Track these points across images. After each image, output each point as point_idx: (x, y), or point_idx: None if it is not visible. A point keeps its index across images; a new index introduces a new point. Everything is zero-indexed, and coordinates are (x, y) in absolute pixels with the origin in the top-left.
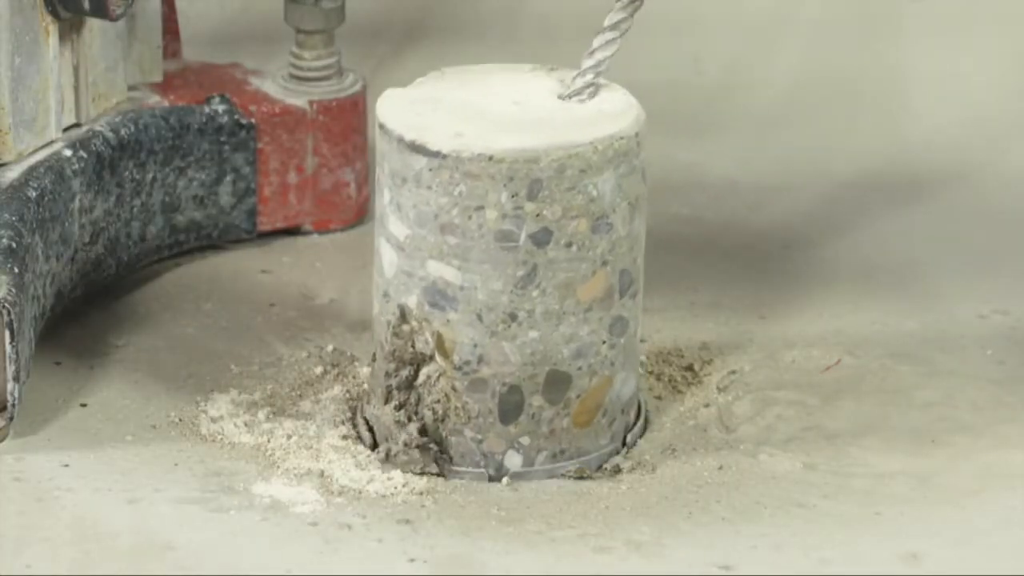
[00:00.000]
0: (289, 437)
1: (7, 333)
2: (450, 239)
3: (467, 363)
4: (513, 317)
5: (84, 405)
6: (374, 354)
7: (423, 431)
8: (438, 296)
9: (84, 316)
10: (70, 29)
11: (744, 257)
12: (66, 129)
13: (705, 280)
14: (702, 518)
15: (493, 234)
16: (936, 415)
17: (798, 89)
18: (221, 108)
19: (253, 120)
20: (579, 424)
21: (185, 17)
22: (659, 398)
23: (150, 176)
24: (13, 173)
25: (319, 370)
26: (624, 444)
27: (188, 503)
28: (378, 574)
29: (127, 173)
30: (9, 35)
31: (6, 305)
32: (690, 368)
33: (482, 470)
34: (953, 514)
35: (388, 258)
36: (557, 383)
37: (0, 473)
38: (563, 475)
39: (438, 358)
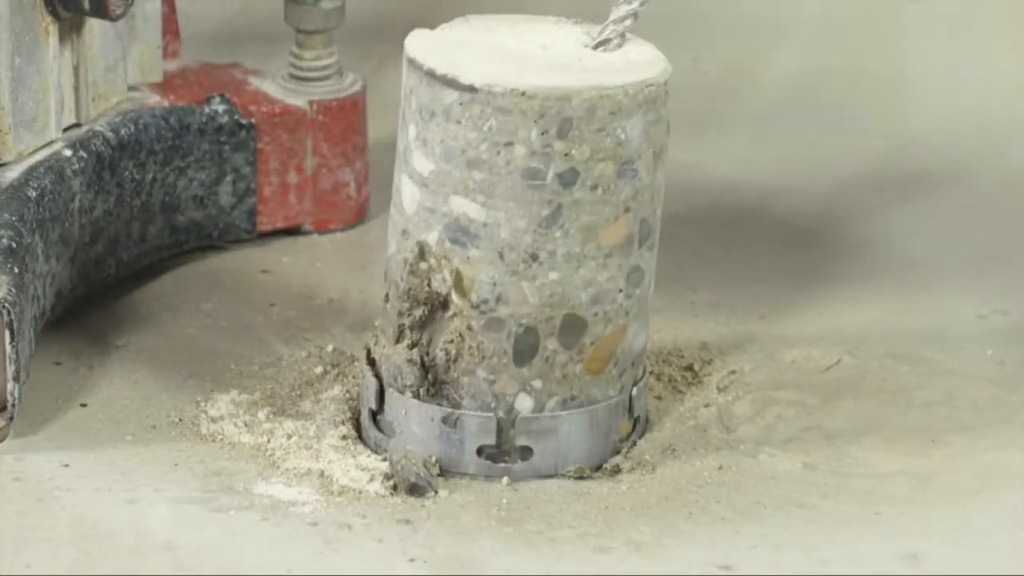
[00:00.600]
0: (289, 437)
1: (7, 333)
2: (476, 174)
3: (485, 302)
4: (535, 257)
5: (84, 405)
6: (387, 294)
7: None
8: (460, 233)
9: (84, 316)
10: (70, 29)
11: (744, 257)
12: (66, 129)
13: (705, 280)
14: (702, 518)
15: (520, 171)
16: (936, 415)
17: (798, 89)
18: (221, 108)
19: (253, 120)
20: (591, 371)
21: (185, 17)
22: (659, 398)
23: (150, 176)
24: (13, 173)
25: (319, 370)
26: (630, 398)
27: (188, 503)
28: (378, 574)
29: (127, 173)
30: (9, 35)
31: (6, 305)
32: (690, 368)
33: (491, 413)
34: (953, 514)
35: (410, 195)
36: (573, 327)
37: (0, 473)
38: (563, 475)
39: (455, 297)
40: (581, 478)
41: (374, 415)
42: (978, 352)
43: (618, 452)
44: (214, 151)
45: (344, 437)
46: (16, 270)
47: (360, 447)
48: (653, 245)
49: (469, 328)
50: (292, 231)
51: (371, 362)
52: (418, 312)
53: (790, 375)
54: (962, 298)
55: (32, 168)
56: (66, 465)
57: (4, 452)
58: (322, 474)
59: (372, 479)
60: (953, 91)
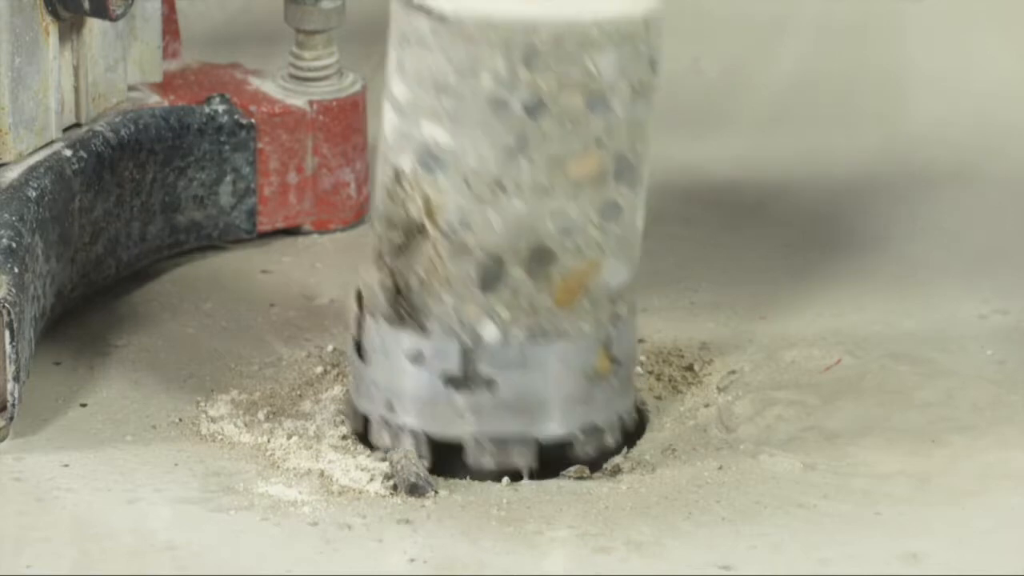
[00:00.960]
0: (289, 437)
1: (7, 333)
2: (445, 101)
3: (452, 228)
4: (500, 185)
5: (84, 405)
6: (372, 220)
7: (407, 303)
8: (429, 158)
9: (84, 316)
10: (70, 29)
11: (744, 257)
12: (66, 129)
13: (705, 280)
14: (702, 518)
15: (487, 99)
16: (936, 415)
17: (798, 89)
18: (221, 108)
19: (253, 120)
20: (561, 303)
21: (185, 17)
22: (659, 398)
23: (150, 176)
24: (13, 173)
25: (319, 370)
26: (608, 337)
27: (188, 503)
28: (378, 574)
29: (127, 173)
30: (9, 35)
31: (6, 305)
32: (690, 368)
33: (455, 342)
34: (953, 514)
35: (389, 120)
36: (540, 257)
37: (0, 473)
38: (563, 475)
39: (426, 222)
40: (581, 478)
41: (358, 344)
42: (978, 352)
43: (598, 389)
44: (214, 151)
45: (344, 437)
46: (16, 270)
47: (360, 447)
48: (635, 182)
49: (438, 254)
50: (292, 231)
51: (356, 294)
52: (395, 237)
53: (790, 375)
54: (962, 298)
55: (32, 168)
56: (66, 465)
57: (4, 452)
58: (322, 474)
59: (372, 479)
60: (953, 91)
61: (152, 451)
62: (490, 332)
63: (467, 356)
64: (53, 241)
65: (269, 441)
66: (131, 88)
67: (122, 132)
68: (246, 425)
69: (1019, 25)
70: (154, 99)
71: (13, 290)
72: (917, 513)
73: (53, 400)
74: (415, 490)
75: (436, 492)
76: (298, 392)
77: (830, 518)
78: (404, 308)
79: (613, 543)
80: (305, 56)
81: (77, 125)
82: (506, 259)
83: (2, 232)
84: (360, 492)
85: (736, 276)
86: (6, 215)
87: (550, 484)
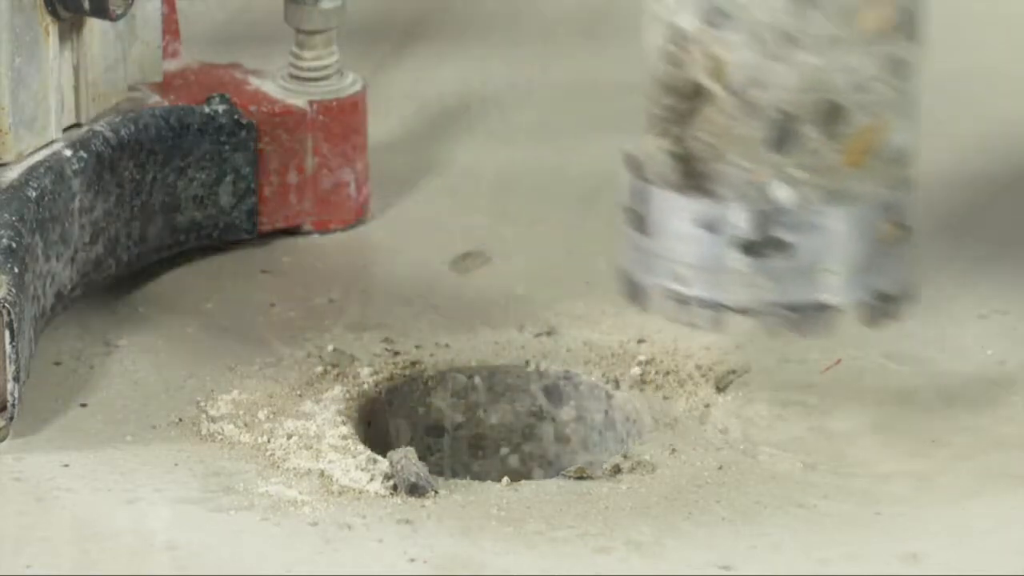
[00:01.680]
0: (289, 437)
1: (7, 333)
2: None
3: (741, 86)
4: (792, 39)
5: (84, 405)
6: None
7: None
8: (716, 15)
9: (84, 316)
10: (70, 29)
11: None
12: (66, 129)
13: None
14: (702, 518)
15: None
16: (936, 415)
17: None
18: (221, 108)
19: (253, 120)
20: (850, 163)
21: (185, 17)
22: (666, 398)
23: (150, 176)
24: (13, 173)
25: (319, 370)
26: (895, 201)
27: (188, 503)
28: (378, 574)
29: (127, 173)
30: (9, 35)
31: (6, 305)
32: (690, 368)
33: (747, 205)
34: (953, 514)
35: None
36: (832, 114)
37: (0, 473)
38: (563, 475)
39: (710, 82)
40: (581, 478)
41: (633, 214)
42: (978, 352)
43: (888, 255)
44: (214, 151)
45: (344, 437)
46: (16, 270)
47: (360, 447)
48: (919, 40)
49: (725, 114)
50: (292, 231)
51: (630, 159)
52: (674, 100)
53: (790, 375)
54: (962, 298)
55: (32, 168)
56: (66, 465)
57: (4, 452)
58: (322, 474)
59: (372, 479)
60: (953, 91)
61: (152, 451)
62: (783, 194)
63: (760, 220)
64: (53, 241)
65: (269, 441)
66: (131, 88)
67: (122, 132)
68: (246, 425)
69: (1020, 25)
70: (154, 99)
71: (13, 290)
72: (917, 513)
73: (53, 400)
74: (415, 490)
75: (436, 492)
76: (298, 392)
77: (830, 518)
78: (691, 174)
79: (613, 543)
80: (305, 56)
81: (77, 125)
82: (798, 116)
83: (2, 232)
84: (360, 492)
85: None
86: (6, 215)
87: (550, 484)
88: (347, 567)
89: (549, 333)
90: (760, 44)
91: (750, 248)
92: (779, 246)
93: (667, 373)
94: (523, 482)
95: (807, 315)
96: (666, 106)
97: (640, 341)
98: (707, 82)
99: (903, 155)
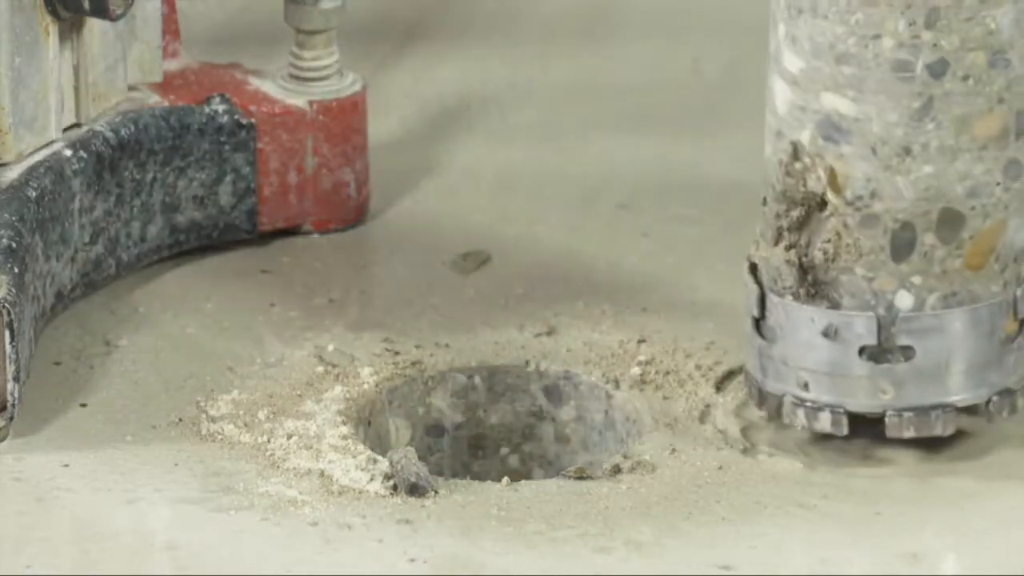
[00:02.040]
0: (289, 437)
1: (7, 333)
2: (845, 69)
3: (859, 198)
4: (907, 151)
5: (84, 405)
6: (764, 197)
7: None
8: (832, 129)
9: (84, 316)
10: (70, 29)
11: (744, 257)
12: (66, 129)
13: (705, 280)
14: (702, 518)
15: (889, 64)
16: None
17: None
18: (221, 108)
19: (253, 120)
20: (971, 266)
21: (185, 17)
22: (666, 398)
23: (150, 176)
24: (13, 173)
25: (319, 370)
26: (1015, 297)
27: (188, 503)
28: (378, 574)
29: (127, 173)
30: (9, 35)
31: (6, 305)
32: (690, 368)
33: (871, 313)
34: (953, 514)
35: (781, 94)
36: (950, 221)
37: (0, 473)
38: (563, 475)
39: (830, 194)
40: (581, 478)
41: (756, 322)
42: None
43: (1008, 352)
44: (214, 151)
45: (344, 437)
46: (16, 270)
47: (360, 447)
48: None
49: (845, 226)
50: (292, 231)
51: (752, 268)
52: (795, 212)
53: None
54: None
55: (32, 168)
56: (66, 465)
57: (4, 452)
58: (322, 474)
59: (372, 479)
60: None
61: (152, 451)
62: (905, 301)
63: (883, 327)
64: (53, 241)
65: (269, 441)
66: (131, 88)
67: (122, 132)
68: (246, 425)
69: None
70: (154, 99)
71: (13, 290)
72: (917, 513)
73: (53, 400)
74: (415, 490)
75: (436, 492)
76: (298, 392)
77: (830, 518)
78: (812, 283)
79: (613, 543)
80: (305, 56)
81: (77, 125)
82: (917, 225)
83: (2, 232)
84: (360, 492)
85: (736, 276)
86: (6, 215)
87: (550, 484)
88: (347, 567)
89: (549, 333)
90: (876, 157)
91: (873, 354)
92: (902, 351)
93: (667, 373)
94: (523, 482)
95: (930, 416)
96: (785, 216)
97: (640, 341)
98: (826, 194)
99: (1021, 252)
